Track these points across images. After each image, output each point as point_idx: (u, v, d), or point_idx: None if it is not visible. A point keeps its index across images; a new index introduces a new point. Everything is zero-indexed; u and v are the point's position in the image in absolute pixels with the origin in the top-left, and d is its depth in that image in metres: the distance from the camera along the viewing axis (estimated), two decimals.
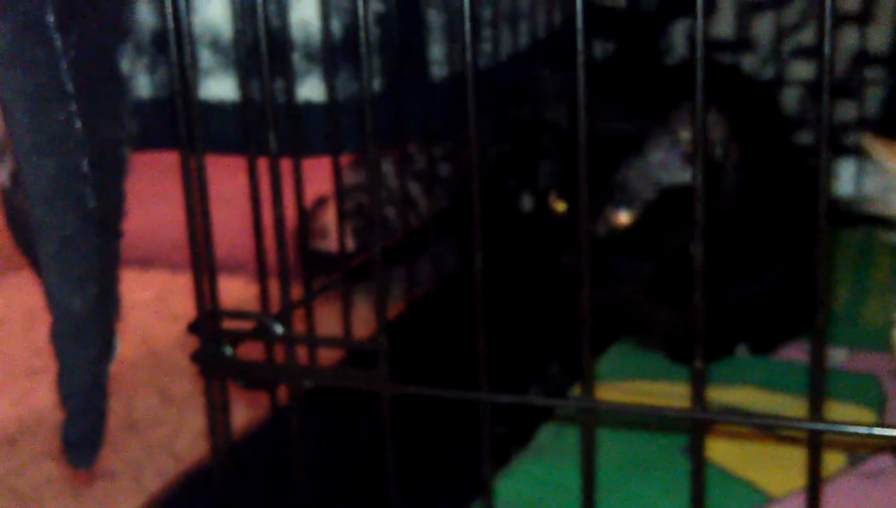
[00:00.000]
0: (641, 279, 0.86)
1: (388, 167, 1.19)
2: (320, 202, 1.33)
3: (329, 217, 1.28)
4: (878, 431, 0.53)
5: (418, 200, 1.15)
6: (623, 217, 0.82)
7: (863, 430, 0.53)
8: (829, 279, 0.49)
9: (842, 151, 1.33)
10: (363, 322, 1.11)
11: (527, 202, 1.03)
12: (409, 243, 0.77)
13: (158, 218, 1.66)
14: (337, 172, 0.66)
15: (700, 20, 0.44)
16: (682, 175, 0.83)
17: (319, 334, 0.64)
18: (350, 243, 1.21)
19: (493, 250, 0.92)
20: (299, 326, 0.63)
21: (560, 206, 0.85)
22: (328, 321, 1.12)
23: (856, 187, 1.31)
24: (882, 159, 0.61)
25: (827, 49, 0.42)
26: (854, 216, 1.18)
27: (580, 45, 0.46)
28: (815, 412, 0.50)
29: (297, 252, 1.00)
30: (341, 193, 0.66)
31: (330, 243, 1.23)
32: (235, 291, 1.35)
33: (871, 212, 0.66)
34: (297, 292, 0.65)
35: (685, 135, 0.81)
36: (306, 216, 1.35)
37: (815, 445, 0.50)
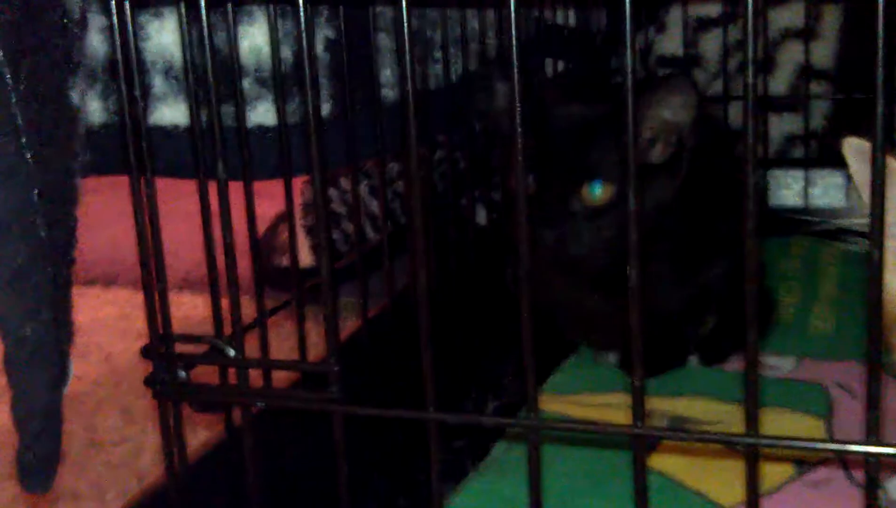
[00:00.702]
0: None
1: (346, 183, 1.20)
2: (283, 218, 1.34)
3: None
4: (814, 444, 0.55)
5: (377, 215, 1.17)
6: (597, 194, 0.84)
7: (798, 444, 0.55)
8: (759, 297, 0.50)
9: (788, 163, 1.36)
10: (321, 337, 1.12)
11: (481, 216, 1.05)
12: (364, 259, 0.78)
13: (120, 236, 1.67)
14: (289, 196, 0.67)
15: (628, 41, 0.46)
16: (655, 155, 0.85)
17: (275, 348, 0.65)
18: (310, 259, 1.22)
19: (449, 263, 0.94)
20: (255, 344, 0.64)
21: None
22: (287, 336, 1.13)
23: (804, 199, 1.34)
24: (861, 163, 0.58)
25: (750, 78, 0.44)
26: (802, 226, 1.21)
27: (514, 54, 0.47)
28: (752, 426, 0.51)
29: (252, 272, 1.01)
30: (292, 216, 0.67)
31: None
32: (199, 306, 1.36)
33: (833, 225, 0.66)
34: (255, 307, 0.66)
35: (656, 114, 0.83)
36: (265, 236, 1.36)
37: (753, 458, 0.51)
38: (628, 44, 0.46)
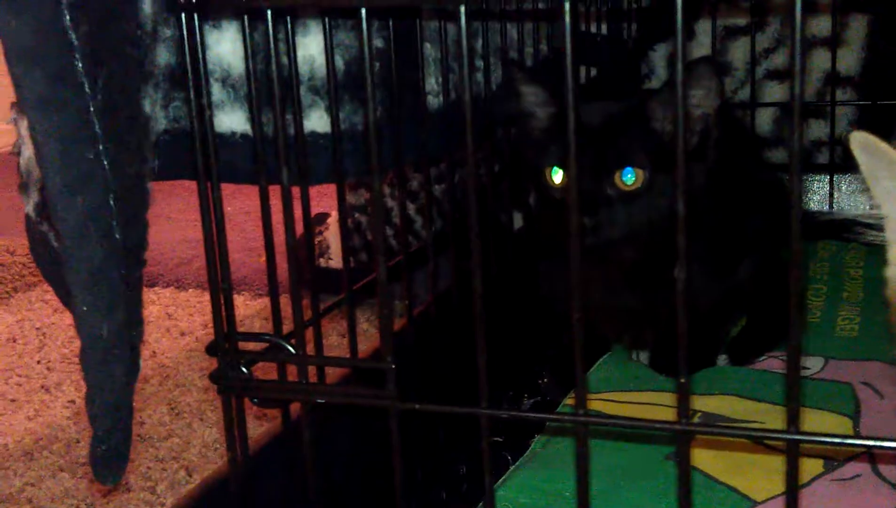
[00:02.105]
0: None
1: (384, 188, 1.23)
2: (319, 219, 1.37)
3: (327, 236, 1.31)
4: (851, 441, 0.57)
5: (414, 219, 1.20)
6: (629, 180, 0.87)
7: (837, 440, 0.57)
8: (803, 295, 0.52)
9: (813, 168, 1.39)
10: (363, 336, 1.15)
11: (517, 220, 1.07)
12: (408, 261, 0.80)
13: (163, 238, 1.70)
14: (341, 199, 0.69)
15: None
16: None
17: (326, 349, 0.67)
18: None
19: (485, 266, 0.97)
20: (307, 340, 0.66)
21: (559, 178, 0.89)
22: (330, 334, 1.16)
23: (829, 203, 1.37)
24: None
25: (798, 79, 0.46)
26: (827, 230, 1.23)
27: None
28: (793, 422, 0.53)
29: (305, 274, 1.04)
30: (345, 218, 0.70)
31: (328, 261, 1.27)
32: (239, 306, 1.39)
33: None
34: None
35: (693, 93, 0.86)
36: (301, 238, 1.39)
37: (793, 454, 0.53)
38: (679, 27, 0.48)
